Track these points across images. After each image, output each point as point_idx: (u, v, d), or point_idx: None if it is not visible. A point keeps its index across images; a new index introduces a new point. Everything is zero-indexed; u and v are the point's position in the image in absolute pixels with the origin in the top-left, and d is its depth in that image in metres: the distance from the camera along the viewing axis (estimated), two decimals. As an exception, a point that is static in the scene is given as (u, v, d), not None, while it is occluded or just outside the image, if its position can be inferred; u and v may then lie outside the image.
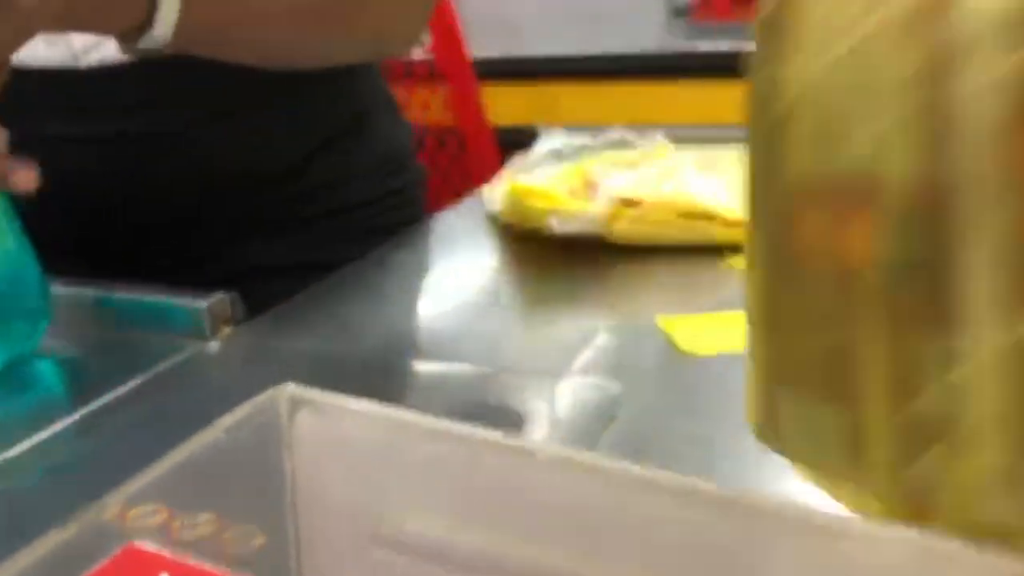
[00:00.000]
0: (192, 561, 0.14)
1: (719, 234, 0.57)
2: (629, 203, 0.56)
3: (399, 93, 1.61)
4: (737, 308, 0.49)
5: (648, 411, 0.40)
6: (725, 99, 1.39)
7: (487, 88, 1.47)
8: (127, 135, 0.62)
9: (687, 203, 0.56)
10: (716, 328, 0.47)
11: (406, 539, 0.16)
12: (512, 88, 1.48)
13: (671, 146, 0.67)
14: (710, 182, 0.59)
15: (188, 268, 0.65)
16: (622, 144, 0.70)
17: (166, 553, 0.14)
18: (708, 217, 0.56)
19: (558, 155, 0.69)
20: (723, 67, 1.42)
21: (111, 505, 0.22)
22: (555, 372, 0.44)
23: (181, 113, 0.63)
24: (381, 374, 0.48)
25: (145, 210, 0.65)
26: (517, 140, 1.55)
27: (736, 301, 0.51)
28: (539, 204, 0.57)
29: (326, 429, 0.17)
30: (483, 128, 1.50)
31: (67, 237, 0.65)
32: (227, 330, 0.51)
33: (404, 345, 0.51)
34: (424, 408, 0.40)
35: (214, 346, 0.50)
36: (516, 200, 0.58)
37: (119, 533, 0.15)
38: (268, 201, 0.67)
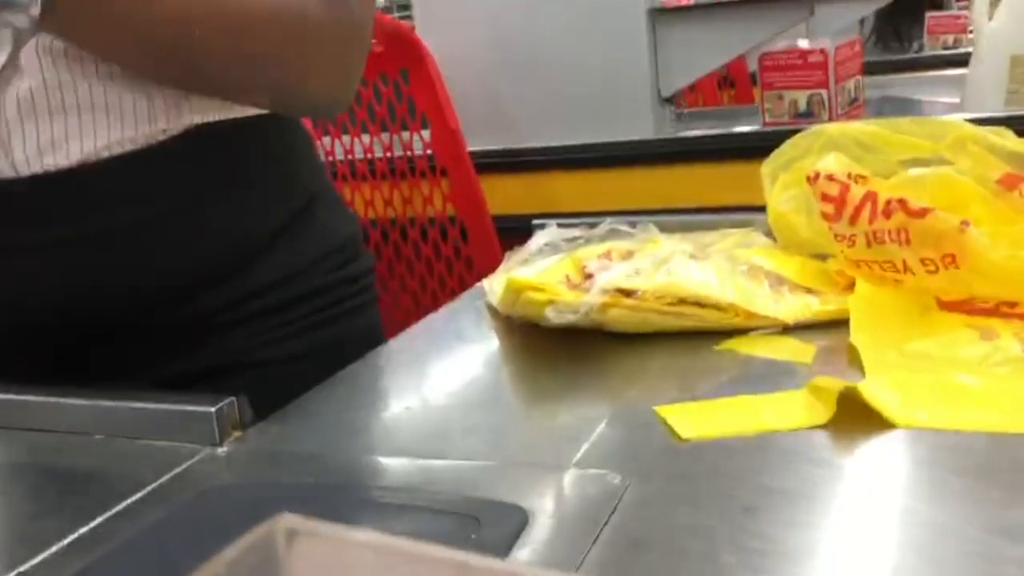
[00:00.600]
0: None
1: (712, 319, 0.58)
2: (624, 293, 0.57)
3: (403, 188, 1.65)
4: (732, 392, 0.50)
5: (650, 502, 0.40)
6: (713, 182, 1.43)
7: (486, 179, 1.51)
8: (75, 240, 0.62)
9: (680, 291, 0.57)
10: (714, 414, 0.48)
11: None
12: (510, 179, 1.51)
13: (662, 235, 0.69)
14: (702, 269, 0.60)
15: (141, 371, 0.65)
16: (614, 234, 0.71)
17: None
18: (700, 304, 0.58)
19: (553, 247, 0.70)
20: (709, 151, 1.45)
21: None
22: (557, 464, 0.45)
23: (131, 212, 0.62)
24: (383, 474, 0.48)
25: (88, 315, 0.63)
26: (516, 227, 1.58)
27: (731, 385, 0.52)
28: (536, 297, 0.58)
29: (325, 560, 0.18)
30: (483, 217, 1.53)
31: (16, 352, 0.65)
32: (236, 434, 0.52)
33: (406, 443, 0.51)
34: (427, 508, 0.41)
35: (223, 452, 0.51)
36: (514, 294, 0.59)
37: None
38: (229, 295, 0.67)
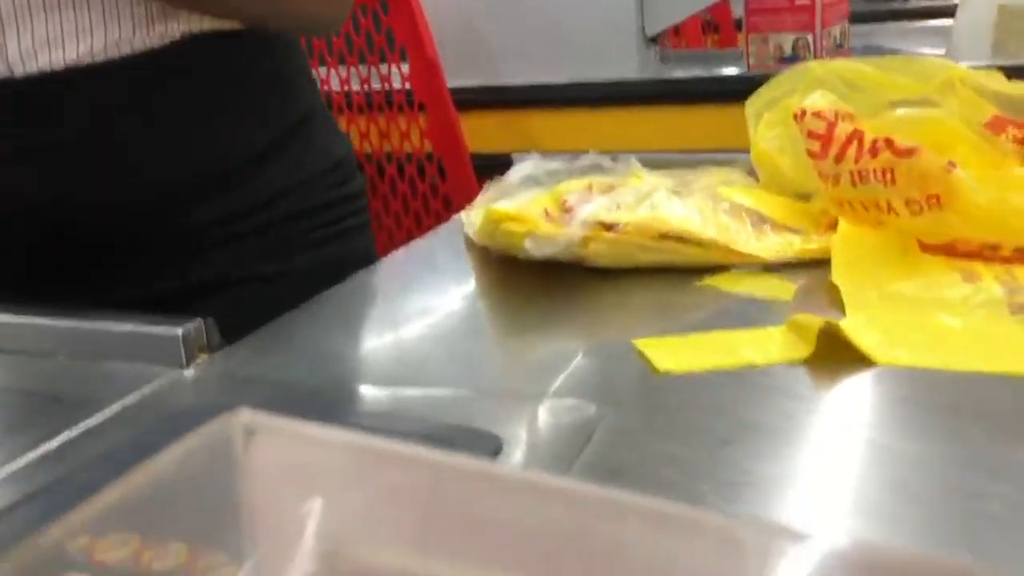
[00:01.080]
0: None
1: (693, 256, 0.57)
2: (604, 226, 0.56)
3: (380, 122, 1.62)
4: (712, 328, 0.50)
5: (625, 432, 0.40)
6: (697, 125, 1.41)
7: (465, 116, 1.48)
8: (69, 146, 0.61)
9: (662, 226, 0.56)
10: (692, 348, 0.47)
11: (366, 567, 0.16)
12: (490, 116, 1.49)
13: (644, 170, 0.67)
14: (684, 205, 0.59)
15: (145, 283, 0.65)
16: (596, 169, 0.70)
17: None
18: (682, 239, 0.57)
19: (533, 180, 0.69)
20: (695, 93, 1.44)
21: (75, 535, 0.22)
22: (532, 394, 0.44)
23: (124, 120, 0.62)
24: (357, 400, 0.48)
25: (95, 224, 0.63)
26: (495, 166, 1.56)
27: (711, 321, 0.51)
28: (515, 228, 0.57)
29: (283, 456, 0.17)
30: (462, 155, 1.51)
31: (16, 260, 0.64)
32: (203, 357, 0.51)
33: (381, 371, 0.50)
34: (401, 432, 0.40)
35: (189, 374, 0.50)
36: (492, 224, 0.58)
37: (64, 562, 0.15)
38: (224, 208, 0.66)
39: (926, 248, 0.58)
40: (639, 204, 0.58)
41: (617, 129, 1.35)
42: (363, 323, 0.58)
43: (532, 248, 0.56)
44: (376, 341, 0.54)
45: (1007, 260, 0.55)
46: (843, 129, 0.59)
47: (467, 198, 1.65)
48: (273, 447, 0.17)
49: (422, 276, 0.65)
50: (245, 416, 0.17)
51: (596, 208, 0.57)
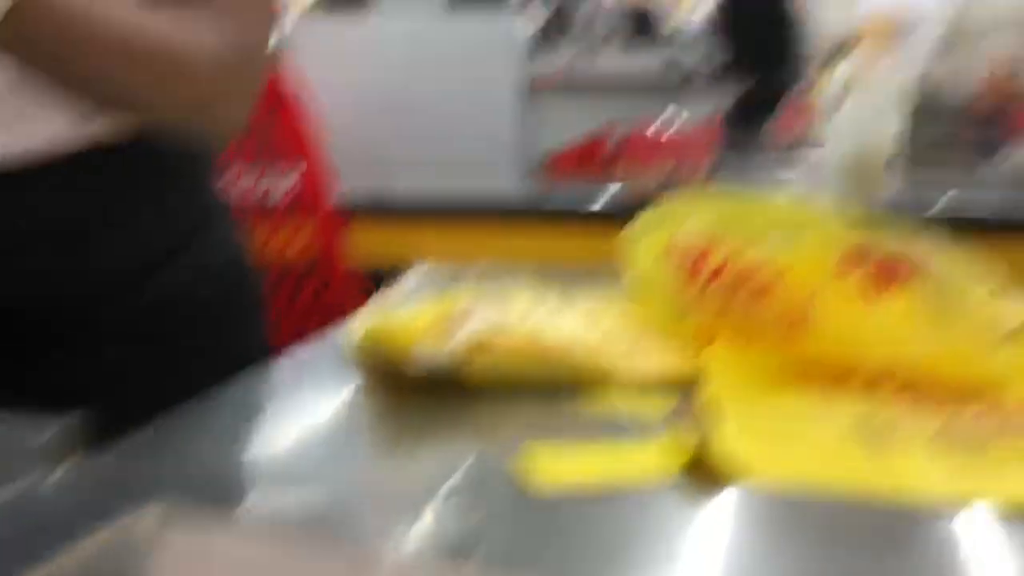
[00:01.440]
0: None
1: (575, 373, 0.59)
2: (489, 342, 0.57)
3: (261, 230, 1.62)
4: (594, 442, 0.51)
5: (508, 550, 0.40)
6: (574, 246, 1.46)
7: (352, 228, 1.50)
8: None
9: (545, 342, 0.58)
10: (573, 462, 0.48)
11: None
12: (377, 229, 1.51)
13: (531, 286, 0.70)
14: (567, 322, 0.62)
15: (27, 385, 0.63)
16: (485, 280, 0.72)
17: None
18: (565, 356, 0.59)
19: (422, 290, 0.70)
20: (574, 216, 1.49)
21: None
22: (414, 505, 0.44)
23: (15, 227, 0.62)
24: (231, 507, 0.46)
25: None
26: (380, 279, 1.57)
27: (593, 436, 0.53)
28: (399, 342, 0.58)
29: (198, 550, 0.17)
30: (346, 266, 1.51)
31: None
32: (74, 458, 0.49)
33: (256, 480, 0.50)
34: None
35: (58, 475, 0.48)
36: (376, 338, 0.59)
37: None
38: (108, 316, 0.66)
39: (788, 372, 0.61)
40: (523, 320, 0.59)
41: (500, 246, 1.39)
42: (235, 434, 0.57)
43: (416, 363, 0.56)
44: (248, 452, 0.54)
45: (862, 386, 0.59)
46: (715, 257, 0.63)
47: (351, 310, 1.65)
48: (186, 540, 0.17)
49: (299, 388, 0.64)
50: (158, 509, 0.17)
51: (482, 322, 0.58)
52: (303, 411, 0.59)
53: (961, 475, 0.48)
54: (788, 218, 0.70)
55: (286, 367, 0.67)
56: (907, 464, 0.49)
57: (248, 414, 0.60)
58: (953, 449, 0.50)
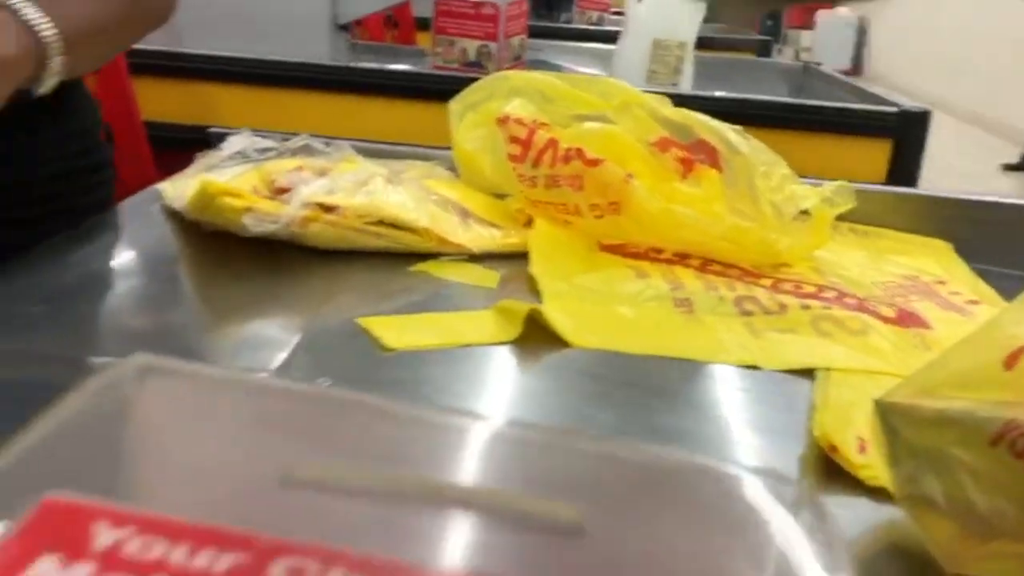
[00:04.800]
0: (122, 506, 0.14)
1: (408, 242, 0.60)
2: (324, 208, 0.57)
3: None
4: (426, 310, 0.53)
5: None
6: (387, 117, 1.43)
7: (141, 83, 1.40)
8: None
9: (379, 212, 0.59)
10: (415, 327, 0.50)
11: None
12: (169, 86, 1.42)
13: (359, 157, 0.70)
14: (398, 192, 0.62)
15: None
16: (307, 151, 0.71)
17: (90, 501, 0.14)
18: (397, 226, 0.60)
19: (242, 156, 0.68)
20: (387, 87, 1.46)
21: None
22: (257, 369, 0.45)
23: None
24: (62, 369, 0.45)
25: None
26: (172, 139, 1.48)
27: (425, 303, 0.55)
28: (233, 203, 0.56)
29: (182, 397, 0.18)
30: (134, 123, 1.42)
31: None
32: None
33: (89, 342, 0.48)
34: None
35: None
36: (208, 198, 0.57)
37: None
38: None
39: (604, 248, 0.66)
40: (357, 189, 0.60)
41: (304, 112, 1.35)
42: (63, 292, 0.54)
43: (251, 224, 0.56)
44: (79, 311, 0.51)
45: (670, 262, 0.64)
46: (541, 137, 0.65)
47: (138, 167, 1.55)
48: (168, 388, 0.17)
49: (124, 246, 0.62)
50: (140, 360, 0.17)
51: (316, 189, 0.58)
52: (129, 275, 0.57)
53: (751, 342, 0.54)
54: (605, 101, 0.73)
55: (104, 227, 0.64)
56: (710, 329, 0.54)
57: (68, 278, 0.57)
58: (749, 316, 0.56)
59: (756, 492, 0.16)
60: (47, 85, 0.57)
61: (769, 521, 0.16)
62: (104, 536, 0.13)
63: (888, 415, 0.33)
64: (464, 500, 0.15)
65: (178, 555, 0.13)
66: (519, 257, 0.62)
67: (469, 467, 0.18)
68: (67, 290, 0.53)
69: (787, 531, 0.16)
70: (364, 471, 0.16)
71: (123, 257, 0.60)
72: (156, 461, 0.17)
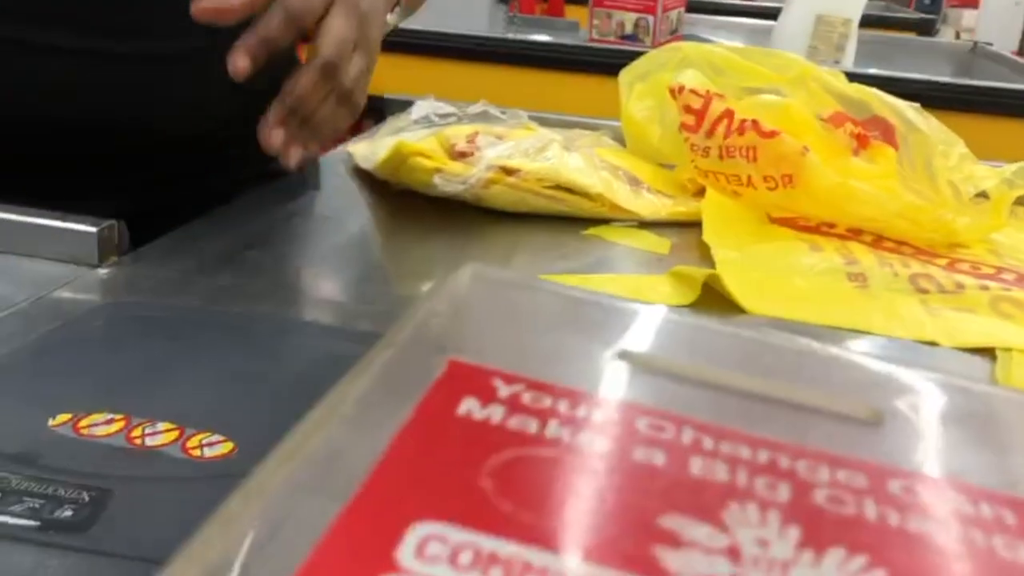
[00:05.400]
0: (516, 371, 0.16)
1: (582, 207, 0.62)
2: (508, 171, 0.60)
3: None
4: (600, 271, 0.55)
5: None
6: (544, 86, 1.45)
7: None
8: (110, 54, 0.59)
9: (558, 176, 0.61)
10: (595, 286, 0.52)
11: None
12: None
13: (535, 124, 0.72)
14: (573, 159, 0.64)
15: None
16: (485, 117, 0.74)
17: (488, 365, 0.17)
18: (573, 191, 0.62)
19: (427, 121, 0.72)
20: (551, 60, 1.48)
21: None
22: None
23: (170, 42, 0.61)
24: (265, 302, 0.49)
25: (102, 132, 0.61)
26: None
27: (600, 266, 0.57)
28: (424, 163, 0.60)
29: (512, 303, 0.21)
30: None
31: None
32: (114, 258, 0.51)
33: (288, 283, 0.52)
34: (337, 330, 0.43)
35: (102, 273, 0.49)
36: (401, 157, 0.61)
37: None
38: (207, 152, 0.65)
39: (775, 220, 0.66)
40: (537, 154, 0.62)
41: (466, 83, 1.38)
42: (271, 238, 0.59)
43: (440, 184, 0.59)
44: (283, 256, 0.56)
45: (842, 237, 0.64)
46: (716, 107, 0.66)
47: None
48: (499, 294, 0.20)
49: (320, 203, 0.66)
50: (473, 269, 0.21)
51: (500, 153, 0.61)
52: (326, 228, 0.61)
53: (928, 318, 0.54)
54: (778, 74, 0.73)
55: (302, 182, 0.68)
56: (887, 303, 0.54)
57: (269, 226, 0.61)
58: (925, 294, 0.56)
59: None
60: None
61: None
62: (503, 389, 0.16)
63: None
64: (778, 397, 0.17)
65: (562, 406, 0.15)
66: (689, 226, 0.63)
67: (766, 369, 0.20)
68: (275, 239, 0.58)
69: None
70: (680, 363, 0.18)
71: (321, 212, 0.65)
72: (508, 343, 0.19)
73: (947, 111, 1.17)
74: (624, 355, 0.18)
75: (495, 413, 0.15)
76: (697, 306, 0.51)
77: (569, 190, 0.62)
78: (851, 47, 1.41)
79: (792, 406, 0.17)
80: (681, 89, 0.68)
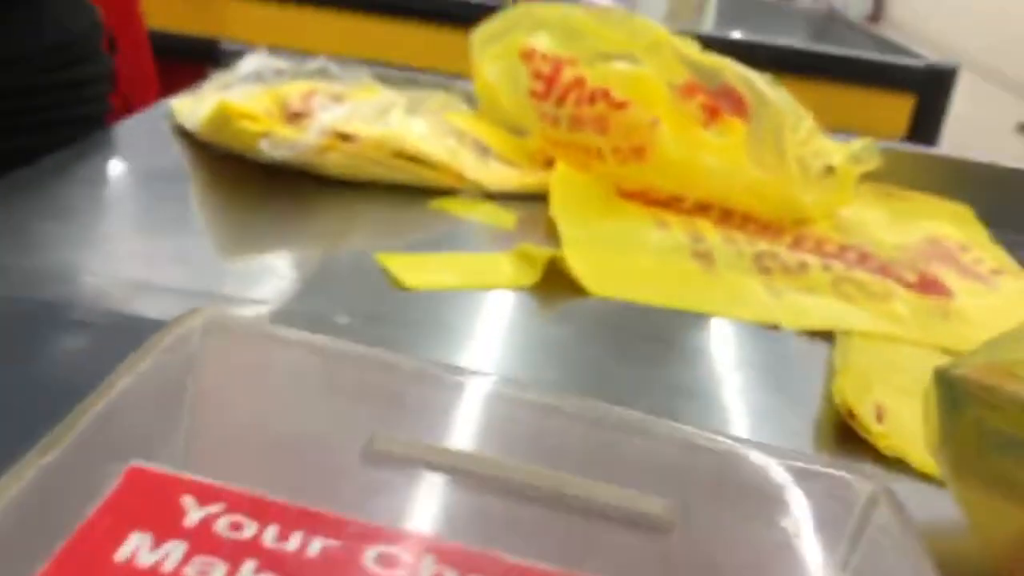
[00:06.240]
0: (207, 479, 0.13)
1: (425, 177, 0.59)
2: (343, 137, 0.56)
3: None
4: (444, 248, 0.52)
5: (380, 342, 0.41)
6: (407, 41, 1.40)
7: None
8: None
9: (398, 144, 0.57)
10: (434, 267, 0.49)
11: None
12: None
13: (377, 84, 0.68)
14: (417, 125, 0.61)
15: None
16: (323, 74, 0.69)
17: (176, 473, 0.13)
18: (415, 160, 0.58)
19: (257, 76, 0.66)
20: (398, 7, 1.42)
21: None
22: (277, 293, 0.44)
23: None
24: (66, 288, 0.44)
25: None
26: (176, 49, 1.44)
27: (442, 241, 0.54)
28: (250, 126, 0.55)
29: (245, 355, 0.17)
30: (139, 32, 1.38)
31: None
32: None
33: (97, 265, 0.47)
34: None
35: None
36: (224, 119, 0.55)
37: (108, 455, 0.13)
38: None
39: (624, 194, 0.64)
40: (377, 119, 0.58)
41: (315, 30, 1.31)
42: (70, 210, 0.53)
43: (267, 150, 0.54)
44: (86, 231, 0.50)
45: (690, 212, 0.63)
46: (567, 74, 0.64)
47: (141, 78, 1.51)
48: (232, 345, 0.17)
49: (131, 165, 0.60)
50: (206, 315, 0.17)
51: (336, 117, 0.56)
52: (136, 196, 0.56)
53: (771, 300, 0.53)
54: (637, 38, 0.71)
55: (110, 144, 0.62)
56: (730, 285, 0.54)
57: (74, 196, 0.55)
58: (769, 274, 0.55)
59: (834, 488, 0.16)
60: None
61: (847, 519, 0.15)
62: (193, 513, 0.12)
63: (953, 389, 0.31)
64: (554, 491, 0.15)
65: (269, 536, 0.12)
66: (537, 199, 0.61)
67: (551, 451, 0.17)
68: (78, 207, 0.52)
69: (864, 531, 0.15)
70: (445, 452, 0.15)
71: (133, 175, 0.59)
72: (231, 429, 0.16)
73: (796, 77, 1.19)
74: (373, 446, 0.15)
75: (170, 555, 0.12)
76: (540, 287, 0.49)
77: (411, 158, 0.58)
78: (710, 8, 1.41)
79: (573, 507, 0.15)
80: (532, 53, 0.65)
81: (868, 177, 0.68)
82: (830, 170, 0.66)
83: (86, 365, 0.36)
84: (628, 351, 0.46)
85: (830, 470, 0.16)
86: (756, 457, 0.17)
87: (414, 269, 0.48)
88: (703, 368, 0.46)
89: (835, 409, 0.43)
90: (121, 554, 0.12)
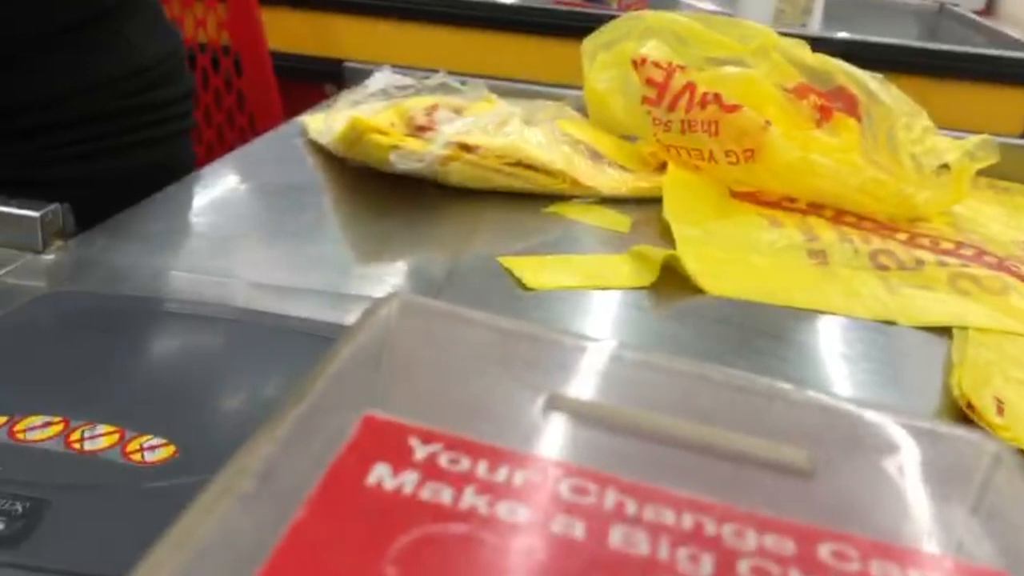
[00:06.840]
0: (433, 427, 0.16)
1: (542, 183, 0.61)
2: (466, 147, 0.59)
3: (171, 7, 1.52)
4: (563, 251, 0.55)
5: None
6: (502, 50, 1.43)
7: (269, 12, 1.43)
8: None
9: (518, 153, 0.60)
10: (554, 268, 0.52)
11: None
12: (295, 16, 1.45)
13: (495, 97, 0.71)
14: (534, 134, 0.63)
15: None
16: (444, 89, 0.72)
17: (406, 419, 0.16)
18: (533, 167, 0.61)
19: (384, 93, 0.70)
20: (506, 22, 1.46)
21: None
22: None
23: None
24: (228, 298, 0.48)
25: None
26: (297, 69, 1.51)
27: (560, 244, 0.56)
28: (380, 140, 0.58)
29: (436, 334, 0.20)
30: (262, 53, 1.46)
31: None
32: (59, 243, 0.49)
33: (241, 265, 0.51)
34: (289, 327, 0.42)
35: (47, 259, 0.48)
36: (357, 133, 0.59)
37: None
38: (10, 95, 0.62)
39: (736, 195, 0.66)
40: (497, 130, 0.61)
41: (430, 47, 1.36)
42: (215, 218, 0.57)
43: (397, 161, 0.58)
44: (231, 237, 0.54)
45: (803, 212, 0.64)
46: (678, 80, 0.65)
47: (263, 94, 1.58)
48: (425, 325, 0.20)
49: (271, 178, 0.64)
50: (401, 298, 0.20)
51: (458, 129, 0.60)
52: (277, 205, 0.60)
53: (887, 297, 0.54)
54: (742, 44, 0.72)
55: (247, 158, 0.67)
56: (845, 282, 0.54)
57: (214, 206, 0.60)
58: (885, 271, 0.56)
59: (962, 445, 0.17)
60: None
61: (975, 471, 0.17)
62: (419, 451, 0.15)
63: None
64: (708, 442, 0.17)
65: (481, 469, 0.15)
66: (650, 201, 0.63)
67: (701, 411, 0.19)
68: (222, 218, 0.56)
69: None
70: (612, 409, 0.18)
71: (272, 188, 0.63)
72: (432, 388, 0.19)
73: (909, 75, 1.17)
74: (552, 403, 0.18)
75: (407, 482, 0.14)
76: (656, 287, 0.51)
77: (529, 166, 0.61)
78: (818, 9, 1.40)
79: (725, 456, 0.17)
80: (643, 61, 0.67)
81: (983, 173, 0.68)
82: (945, 168, 0.66)
83: (252, 356, 0.40)
84: (745, 347, 0.47)
85: (957, 431, 0.18)
86: (888, 419, 0.19)
87: (535, 270, 0.50)
88: (820, 363, 0.47)
89: (953, 402, 0.43)
90: (370, 480, 0.14)
